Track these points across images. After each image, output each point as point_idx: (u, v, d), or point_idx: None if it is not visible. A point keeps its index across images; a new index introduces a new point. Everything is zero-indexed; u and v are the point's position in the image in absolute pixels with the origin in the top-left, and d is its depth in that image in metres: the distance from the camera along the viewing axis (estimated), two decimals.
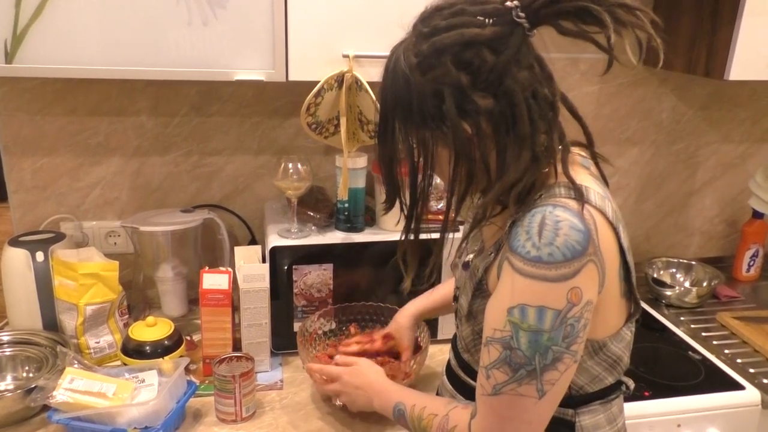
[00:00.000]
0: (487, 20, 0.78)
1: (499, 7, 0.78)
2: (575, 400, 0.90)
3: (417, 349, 1.31)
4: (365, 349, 1.29)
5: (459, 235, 1.00)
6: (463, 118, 0.80)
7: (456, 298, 1.03)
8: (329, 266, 1.39)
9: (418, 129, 0.84)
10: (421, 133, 0.84)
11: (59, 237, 1.44)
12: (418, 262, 0.98)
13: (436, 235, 0.93)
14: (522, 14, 0.77)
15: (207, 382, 1.31)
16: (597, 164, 0.92)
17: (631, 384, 0.97)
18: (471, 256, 0.98)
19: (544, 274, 0.76)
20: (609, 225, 0.82)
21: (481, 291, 0.90)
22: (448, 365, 1.08)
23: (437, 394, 1.12)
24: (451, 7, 0.81)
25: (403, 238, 0.96)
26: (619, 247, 0.83)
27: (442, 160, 0.85)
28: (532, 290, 0.77)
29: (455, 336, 1.07)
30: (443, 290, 1.30)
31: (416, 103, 0.82)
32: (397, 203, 0.96)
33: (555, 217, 0.77)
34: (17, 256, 1.36)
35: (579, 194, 0.80)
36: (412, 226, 0.94)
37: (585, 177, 0.86)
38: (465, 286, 0.95)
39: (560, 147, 0.84)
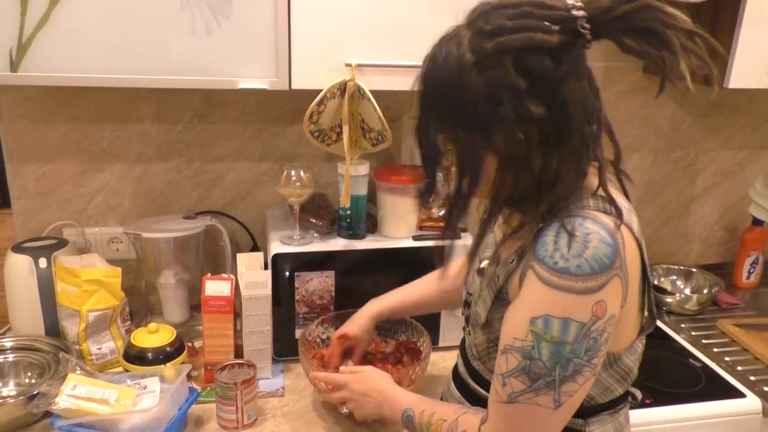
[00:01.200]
0: (553, 27, 0.76)
1: (565, 15, 0.76)
2: (586, 410, 0.90)
3: (417, 354, 1.32)
4: (324, 361, 1.28)
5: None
6: (518, 124, 0.77)
7: (467, 304, 1.02)
8: (331, 273, 1.40)
9: (466, 129, 0.81)
10: (467, 133, 0.81)
11: (62, 243, 1.44)
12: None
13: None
14: (587, 25, 0.75)
15: (208, 388, 1.32)
16: (620, 178, 0.91)
17: (639, 394, 0.98)
18: (485, 262, 0.97)
19: (570, 285, 0.76)
20: (634, 240, 0.82)
21: (501, 299, 0.90)
22: (456, 372, 1.07)
23: (442, 400, 1.12)
24: (517, 7, 0.77)
25: (442, 241, 0.94)
26: (641, 262, 0.84)
27: (487, 165, 0.83)
28: (557, 301, 0.77)
29: (463, 342, 1.06)
30: (413, 290, 1.29)
31: (469, 101, 0.78)
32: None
33: (585, 230, 0.77)
34: (20, 262, 1.36)
35: (618, 212, 0.80)
36: (449, 229, 0.92)
37: (612, 189, 0.85)
38: (481, 294, 0.95)
39: (596, 160, 0.83)
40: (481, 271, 0.97)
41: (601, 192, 0.83)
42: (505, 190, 0.83)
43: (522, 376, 0.80)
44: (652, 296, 0.88)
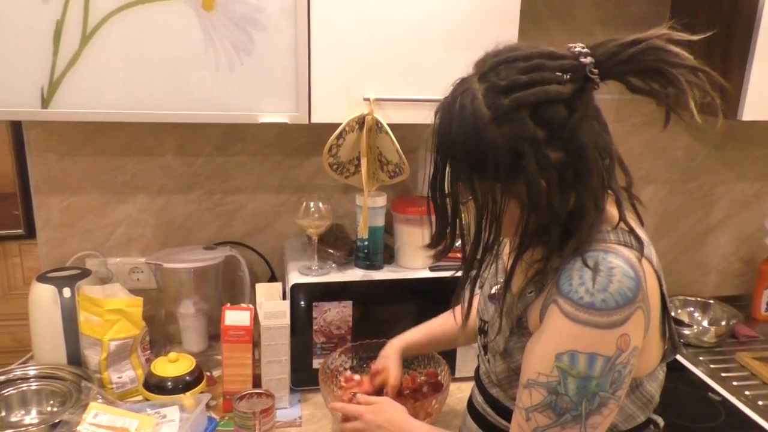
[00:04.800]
0: (564, 76, 0.78)
1: (575, 63, 0.78)
2: None
3: (437, 387, 1.32)
4: (355, 392, 1.27)
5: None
6: (539, 172, 0.79)
7: (482, 332, 1.03)
8: (348, 303, 1.41)
9: (486, 180, 0.82)
10: (489, 184, 0.82)
11: (85, 273, 1.47)
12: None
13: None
14: (595, 71, 0.78)
15: (227, 418, 1.32)
16: (633, 204, 0.91)
17: (660, 421, 0.97)
18: (495, 288, 0.98)
19: (596, 321, 0.77)
20: (654, 272, 0.84)
21: (521, 329, 0.90)
22: (471, 404, 1.07)
23: None
24: (527, 59, 0.79)
25: (460, 289, 0.94)
26: (660, 293, 0.85)
27: (509, 212, 0.83)
28: (583, 337, 0.78)
29: (478, 372, 1.06)
30: (436, 325, 1.29)
31: (489, 155, 0.79)
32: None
33: (608, 264, 0.78)
34: (45, 292, 1.39)
35: (639, 244, 0.82)
36: (470, 277, 0.92)
37: (630, 220, 0.86)
38: (497, 322, 0.95)
39: (611, 192, 0.85)
40: (492, 297, 0.98)
41: (621, 225, 0.84)
42: (527, 232, 0.84)
43: (547, 411, 0.81)
44: (672, 324, 0.89)
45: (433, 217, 0.90)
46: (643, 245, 0.83)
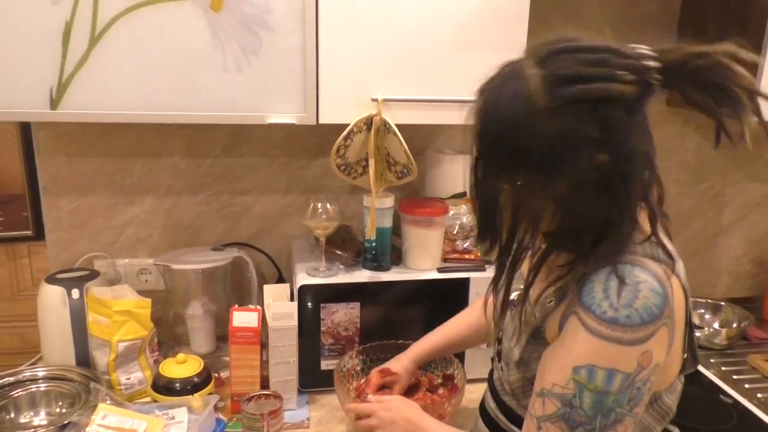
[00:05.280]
0: (628, 76, 0.74)
1: (638, 65, 0.74)
2: None
3: (453, 389, 1.31)
4: (358, 390, 1.28)
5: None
6: (585, 173, 0.75)
7: (497, 339, 1.01)
8: (356, 305, 1.41)
9: (528, 173, 0.78)
10: (529, 177, 0.78)
11: (94, 274, 1.47)
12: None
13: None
14: (658, 76, 0.74)
15: (235, 419, 1.32)
16: (663, 222, 0.87)
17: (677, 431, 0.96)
18: (514, 294, 0.94)
19: (618, 337, 0.74)
20: (681, 287, 0.81)
21: (537, 339, 0.88)
22: (483, 408, 1.06)
23: None
24: (591, 52, 0.75)
25: (493, 291, 0.92)
26: (686, 308, 0.83)
27: (545, 209, 0.80)
28: (603, 352, 0.75)
29: (491, 376, 1.05)
30: (452, 329, 1.29)
31: (536, 146, 0.75)
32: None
33: (635, 278, 0.75)
34: (54, 293, 1.39)
35: (670, 259, 0.79)
36: (502, 279, 0.89)
37: (660, 234, 0.83)
38: (514, 331, 0.93)
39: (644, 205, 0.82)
40: (510, 304, 0.96)
41: (652, 238, 0.81)
42: (557, 234, 0.81)
43: (560, 423, 0.79)
44: (694, 337, 0.87)
45: (476, 210, 0.85)
46: (674, 260, 0.80)
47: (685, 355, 0.87)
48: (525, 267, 0.98)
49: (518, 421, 0.93)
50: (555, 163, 0.75)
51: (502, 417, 0.99)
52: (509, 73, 0.78)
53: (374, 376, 1.28)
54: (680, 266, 0.83)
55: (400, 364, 1.29)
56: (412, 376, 1.31)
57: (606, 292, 0.76)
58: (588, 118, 0.73)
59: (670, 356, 0.81)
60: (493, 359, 1.04)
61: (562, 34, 0.78)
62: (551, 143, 0.74)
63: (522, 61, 0.78)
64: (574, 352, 0.78)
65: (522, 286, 0.93)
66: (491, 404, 1.03)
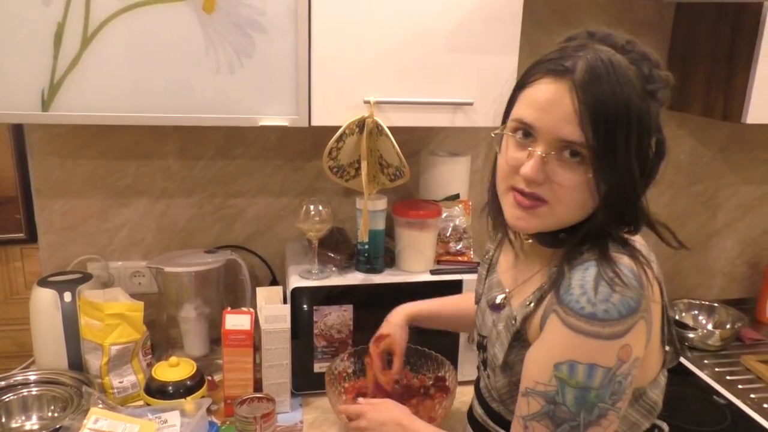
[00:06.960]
0: (671, 80, 0.82)
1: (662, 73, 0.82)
2: None
3: (445, 391, 1.31)
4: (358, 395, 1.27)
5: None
6: (635, 156, 0.79)
7: (480, 346, 1.01)
8: (349, 307, 1.40)
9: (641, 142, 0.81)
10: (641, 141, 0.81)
11: (86, 277, 1.47)
12: None
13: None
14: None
15: (228, 422, 1.32)
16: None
17: (665, 427, 0.96)
18: (501, 297, 0.96)
19: (597, 331, 0.75)
20: (655, 280, 0.82)
21: (520, 341, 0.89)
22: (471, 414, 1.06)
23: None
24: (650, 62, 0.81)
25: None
26: (661, 300, 0.84)
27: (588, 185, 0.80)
28: (583, 347, 0.76)
29: (478, 384, 1.05)
30: (451, 300, 1.28)
31: (643, 129, 0.79)
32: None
33: (611, 273, 0.77)
34: (46, 297, 1.39)
35: (641, 252, 0.82)
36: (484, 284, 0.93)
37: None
38: (497, 336, 0.94)
39: None
40: (496, 307, 0.97)
41: (625, 234, 0.83)
42: (603, 216, 0.81)
43: (545, 420, 0.79)
44: (673, 330, 0.88)
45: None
46: (644, 252, 0.82)
47: (667, 349, 0.88)
48: (502, 273, 0.99)
49: (507, 426, 0.93)
50: (641, 146, 0.80)
51: (490, 422, 1.00)
52: (600, 55, 0.78)
53: (373, 351, 1.25)
54: (652, 258, 0.85)
55: (390, 323, 1.26)
56: (406, 336, 1.27)
57: (583, 288, 0.77)
58: (657, 112, 0.80)
59: (650, 350, 0.83)
60: (478, 367, 1.05)
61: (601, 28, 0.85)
62: (649, 129, 0.80)
63: (599, 48, 0.80)
64: (555, 348, 0.79)
65: (500, 293, 0.96)
66: (479, 410, 1.03)
